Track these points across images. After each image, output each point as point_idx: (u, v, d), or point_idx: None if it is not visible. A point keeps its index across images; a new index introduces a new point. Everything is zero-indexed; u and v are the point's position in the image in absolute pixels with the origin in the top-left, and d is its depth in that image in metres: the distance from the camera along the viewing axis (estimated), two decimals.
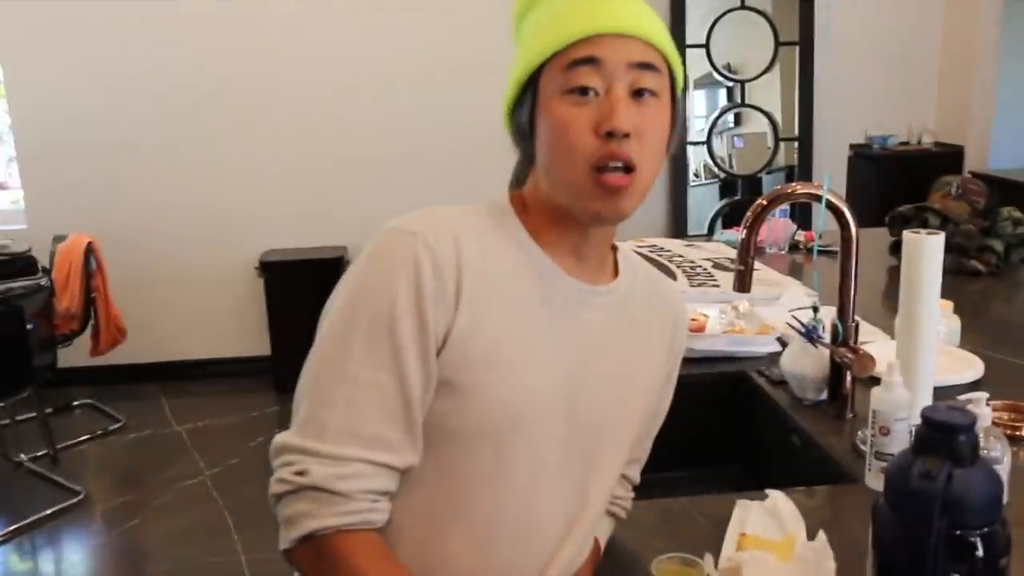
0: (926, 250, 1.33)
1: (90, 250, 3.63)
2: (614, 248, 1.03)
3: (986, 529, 0.76)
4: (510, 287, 0.89)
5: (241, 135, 4.19)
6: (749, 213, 1.47)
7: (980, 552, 0.76)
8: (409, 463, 0.85)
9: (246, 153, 4.21)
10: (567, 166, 0.85)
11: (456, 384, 0.85)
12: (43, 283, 3.42)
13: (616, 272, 1.01)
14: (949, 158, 5.06)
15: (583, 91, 0.83)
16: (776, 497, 1.18)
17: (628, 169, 0.84)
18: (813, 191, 1.46)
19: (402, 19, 4.15)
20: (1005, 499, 1.18)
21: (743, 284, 1.47)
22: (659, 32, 0.88)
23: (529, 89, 0.89)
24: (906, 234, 1.36)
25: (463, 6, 4.17)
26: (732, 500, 1.20)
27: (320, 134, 4.23)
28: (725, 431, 1.74)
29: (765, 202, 1.48)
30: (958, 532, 0.75)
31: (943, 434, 0.75)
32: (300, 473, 0.80)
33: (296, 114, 4.21)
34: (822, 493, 1.28)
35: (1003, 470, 1.19)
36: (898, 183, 4.82)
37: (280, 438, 0.84)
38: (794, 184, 1.46)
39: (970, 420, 0.76)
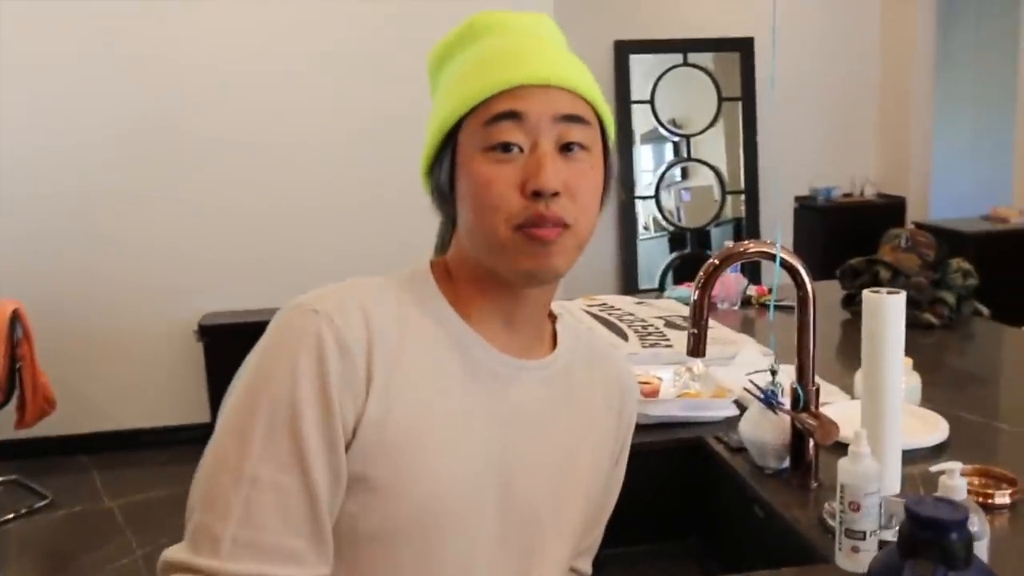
0: (888, 310, 1.23)
1: (16, 316, 3.46)
2: (553, 317, 0.93)
3: None
4: (429, 366, 0.78)
5: (177, 193, 4.02)
6: (701, 273, 1.38)
7: None
8: (318, 574, 0.72)
9: (182, 212, 4.04)
10: (490, 228, 0.76)
11: (370, 479, 0.73)
12: None
13: (555, 343, 0.90)
14: (892, 209, 5.12)
15: (506, 147, 0.75)
16: None
17: (559, 225, 0.76)
18: (766, 249, 1.37)
19: (352, 75, 4.06)
20: None
21: (697, 348, 1.36)
22: (586, 81, 0.80)
23: (448, 146, 0.80)
24: (866, 294, 1.26)
25: (421, 61, 4.07)
26: None
27: (261, 190, 4.08)
28: (683, 501, 1.61)
29: (717, 262, 1.39)
30: None
31: (934, 533, 0.63)
32: None
33: (236, 168, 4.06)
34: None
35: (983, 547, 1.09)
36: (843, 234, 4.85)
37: (167, 554, 0.71)
38: (746, 242, 1.36)
39: (962, 516, 0.64)
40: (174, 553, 0.71)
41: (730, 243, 4.66)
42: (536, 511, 0.83)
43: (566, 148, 0.76)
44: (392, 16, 4.04)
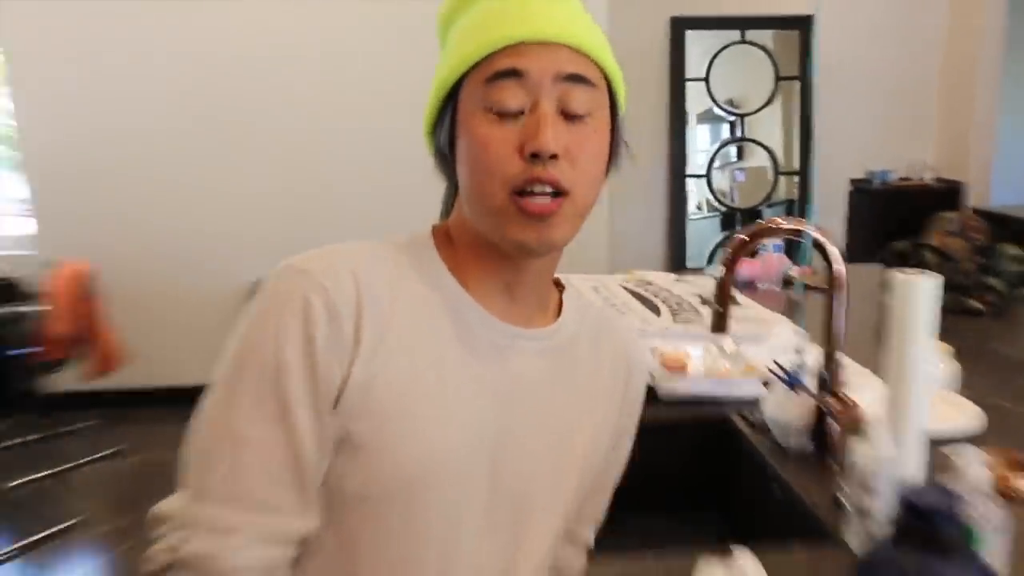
0: (918, 294, 1.20)
1: (86, 277, 3.57)
2: (560, 286, 0.91)
3: None
4: (423, 332, 0.77)
5: (235, 170, 4.13)
6: (729, 249, 1.36)
7: None
8: (302, 530, 0.74)
9: (238, 187, 4.14)
10: (487, 191, 0.73)
11: (356, 439, 0.73)
12: (33, 310, 3.34)
13: (560, 314, 0.88)
14: (950, 194, 4.96)
15: (506, 109, 0.72)
16: (743, 557, 1.05)
17: (557, 194, 0.73)
18: (797, 227, 1.35)
19: (385, 58, 4.06)
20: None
21: (720, 325, 1.36)
22: (593, 39, 0.75)
23: (449, 105, 0.77)
24: (895, 275, 1.23)
25: None
26: (696, 559, 1.07)
27: (305, 168, 4.16)
28: (705, 476, 1.62)
29: (747, 237, 1.37)
30: None
31: (927, 523, 0.63)
32: (176, 545, 0.70)
33: (286, 149, 4.13)
34: (799, 554, 1.15)
35: (1002, 539, 1.07)
36: (898, 218, 4.69)
37: (159, 506, 0.73)
38: (777, 219, 1.32)
39: (952, 503, 0.63)
40: (166, 505, 0.73)
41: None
42: (527, 484, 0.82)
43: (570, 113, 0.73)
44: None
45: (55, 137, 4.02)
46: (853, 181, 5.11)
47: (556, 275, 0.90)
